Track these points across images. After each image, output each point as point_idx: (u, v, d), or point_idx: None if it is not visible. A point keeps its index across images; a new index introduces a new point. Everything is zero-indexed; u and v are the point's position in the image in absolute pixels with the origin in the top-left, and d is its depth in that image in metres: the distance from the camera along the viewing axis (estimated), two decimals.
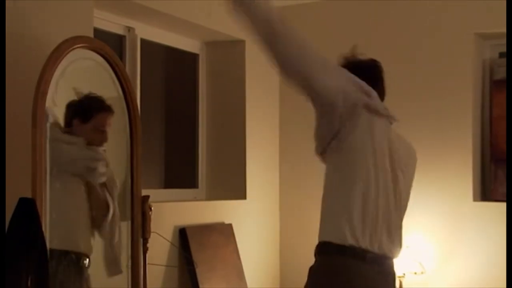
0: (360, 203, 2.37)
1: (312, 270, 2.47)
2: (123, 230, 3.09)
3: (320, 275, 2.44)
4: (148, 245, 3.15)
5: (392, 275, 2.55)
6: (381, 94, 2.50)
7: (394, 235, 2.48)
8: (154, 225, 3.18)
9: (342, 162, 2.38)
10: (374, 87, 2.41)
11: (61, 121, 2.86)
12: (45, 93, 2.57)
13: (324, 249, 2.43)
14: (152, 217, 3.16)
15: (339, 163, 2.39)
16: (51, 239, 2.61)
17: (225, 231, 4.04)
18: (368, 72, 2.49)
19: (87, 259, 2.90)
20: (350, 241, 2.35)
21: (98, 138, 2.97)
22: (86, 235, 2.97)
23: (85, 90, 2.95)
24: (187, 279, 3.70)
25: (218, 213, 4.08)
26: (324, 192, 2.48)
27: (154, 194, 3.42)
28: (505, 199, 3.82)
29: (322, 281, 2.42)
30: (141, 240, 3.11)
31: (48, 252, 2.44)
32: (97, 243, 3.00)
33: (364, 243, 2.37)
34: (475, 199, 4.08)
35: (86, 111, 2.93)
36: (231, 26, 4.18)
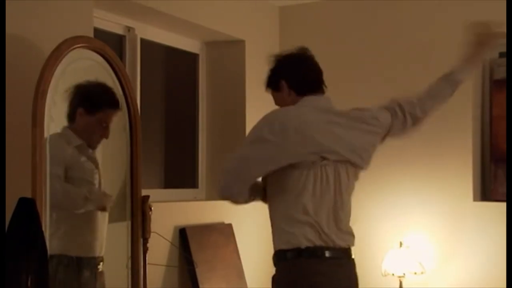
0: (302, 206, 2.44)
1: (274, 278, 2.57)
2: (123, 230, 3.09)
3: (282, 281, 2.53)
4: (148, 245, 3.14)
5: (351, 264, 2.61)
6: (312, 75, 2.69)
7: (344, 227, 2.57)
8: (154, 225, 3.18)
9: (277, 181, 2.55)
10: (308, 69, 2.66)
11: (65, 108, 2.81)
12: (45, 93, 2.57)
13: (281, 256, 2.59)
14: (152, 217, 3.16)
15: (275, 181, 2.56)
16: (51, 240, 2.61)
17: (225, 231, 4.04)
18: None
19: (101, 263, 2.94)
20: (304, 243, 2.44)
21: (99, 133, 2.91)
22: (99, 237, 2.98)
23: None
24: (187, 279, 3.70)
25: (218, 213, 4.08)
26: (268, 202, 2.62)
27: (154, 194, 3.42)
28: (505, 199, 3.82)
29: (286, 286, 2.49)
30: (141, 240, 3.11)
31: (48, 253, 2.45)
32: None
33: (318, 241, 2.45)
34: (475, 199, 4.08)
35: (94, 102, 2.86)
36: (231, 26, 4.20)
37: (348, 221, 2.63)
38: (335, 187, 2.54)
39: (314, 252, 2.48)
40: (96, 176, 2.94)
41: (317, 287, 2.47)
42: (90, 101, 2.86)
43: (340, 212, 2.55)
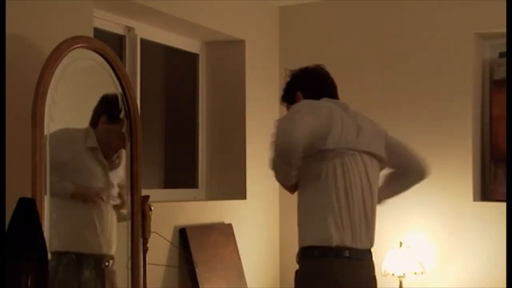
0: (334, 204, 2.44)
1: (298, 274, 2.55)
2: (123, 230, 3.09)
3: (306, 278, 2.50)
4: (148, 245, 3.14)
5: (372, 267, 2.63)
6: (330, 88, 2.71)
7: (371, 227, 2.60)
8: (154, 225, 3.18)
9: (312, 170, 2.53)
10: (323, 82, 2.68)
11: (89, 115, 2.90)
12: (45, 93, 2.57)
13: (308, 253, 2.55)
14: (152, 217, 3.16)
15: (310, 172, 2.54)
16: (52, 240, 2.61)
17: (225, 231, 4.04)
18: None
19: (110, 261, 2.96)
20: (334, 242, 2.43)
21: (118, 143, 3.01)
22: (105, 235, 2.99)
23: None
24: (187, 279, 3.70)
25: (218, 213, 4.08)
26: (299, 194, 2.56)
27: (154, 194, 3.42)
28: (505, 199, 3.82)
29: (310, 284, 2.48)
30: (141, 240, 3.11)
31: (49, 253, 2.45)
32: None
33: (348, 242, 2.45)
34: (475, 199, 4.08)
35: (116, 112, 2.96)
36: (231, 26, 4.20)
37: (374, 218, 2.64)
38: (366, 179, 2.56)
39: (340, 252, 2.47)
40: (99, 183, 2.97)
41: (340, 286, 2.46)
42: (114, 112, 2.96)
43: (368, 208, 2.56)
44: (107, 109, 2.96)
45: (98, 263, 2.94)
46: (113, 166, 3.04)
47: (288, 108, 2.72)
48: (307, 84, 2.68)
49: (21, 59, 2.70)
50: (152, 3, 3.54)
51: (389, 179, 2.82)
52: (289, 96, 2.72)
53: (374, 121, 2.74)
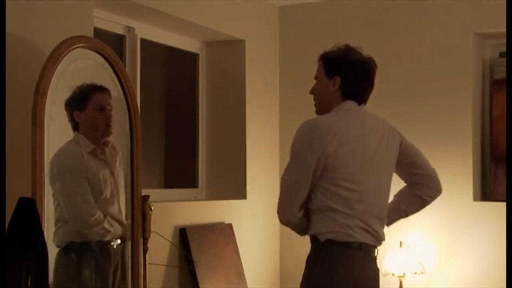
0: (344, 198, 2.45)
1: (308, 259, 2.58)
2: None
3: (314, 265, 2.54)
4: (148, 245, 3.15)
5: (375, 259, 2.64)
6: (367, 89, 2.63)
7: (383, 221, 2.63)
8: (154, 225, 3.18)
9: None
10: (366, 83, 2.59)
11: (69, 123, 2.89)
12: (45, 93, 2.58)
13: (315, 241, 2.55)
14: (152, 217, 3.16)
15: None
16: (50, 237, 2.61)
17: (225, 231, 4.04)
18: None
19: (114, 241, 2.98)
20: (340, 236, 2.46)
21: (102, 117, 2.94)
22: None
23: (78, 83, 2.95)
24: (187, 279, 3.70)
25: (218, 213, 4.08)
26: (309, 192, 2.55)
27: (154, 194, 3.42)
28: (505, 199, 3.82)
29: (316, 271, 2.52)
30: (141, 240, 3.11)
31: (48, 252, 2.45)
32: None
33: (358, 237, 2.46)
34: (475, 199, 4.08)
35: (79, 99, 2.90)
36: (231, 26, 4.20)
37: (385, 208, 2.66)
38: (377, 158, 2.58)
39: (349, 245, 2.49)
40: (108, 183, 2.98)
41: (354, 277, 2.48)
42: (77, 99, 2.89)
43: (380, 197, 2.61)
44: (72, 103, 2.87)
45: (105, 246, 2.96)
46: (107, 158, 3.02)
47: (318, 77, 2.60)
48: (352, 80, 2.55)
49: (21, 59, 2.70)
50: (152, 3, 3.54)
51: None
52: (330, 72, 2.56)
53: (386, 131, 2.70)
